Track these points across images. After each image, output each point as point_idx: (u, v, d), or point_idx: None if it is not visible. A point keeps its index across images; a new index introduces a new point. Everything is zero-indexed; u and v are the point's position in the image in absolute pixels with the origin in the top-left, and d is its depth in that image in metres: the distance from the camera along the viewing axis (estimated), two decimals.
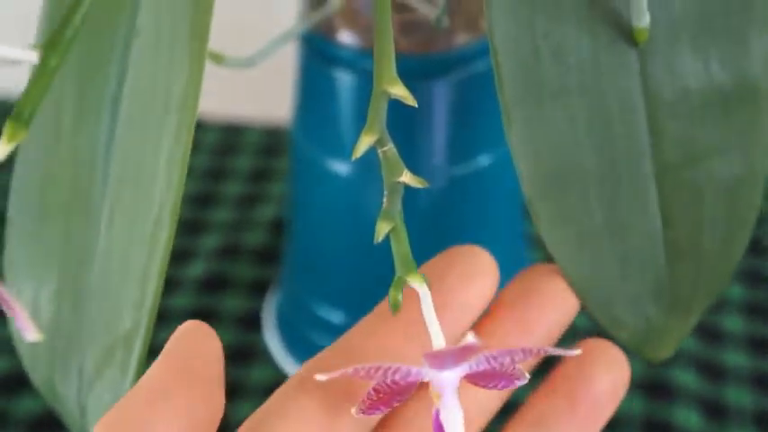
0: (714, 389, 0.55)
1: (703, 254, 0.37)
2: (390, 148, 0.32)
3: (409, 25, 0.46)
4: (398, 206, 0.33)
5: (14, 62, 0.27)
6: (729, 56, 0.35)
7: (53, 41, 0.27)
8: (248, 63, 0.45)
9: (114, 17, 0.36)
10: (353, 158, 0.32)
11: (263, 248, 0.65)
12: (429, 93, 0.49)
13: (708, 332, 0.58)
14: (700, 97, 0.35)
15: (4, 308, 0.26)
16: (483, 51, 0.48)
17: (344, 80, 0.49)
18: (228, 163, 0.73)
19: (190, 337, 0.30)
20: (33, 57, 0.26)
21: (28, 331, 0.26)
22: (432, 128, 0.50)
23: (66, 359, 0.38)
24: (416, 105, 0.32)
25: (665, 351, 0.38)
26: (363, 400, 0.29)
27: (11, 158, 0.37)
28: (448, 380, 0.28)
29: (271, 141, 0.75)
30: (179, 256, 0.65)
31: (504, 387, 0.29)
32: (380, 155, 0.32)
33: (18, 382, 0.57)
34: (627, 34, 0.35)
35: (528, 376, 0.29)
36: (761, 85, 0.35)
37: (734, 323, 0.59)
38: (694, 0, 0.35)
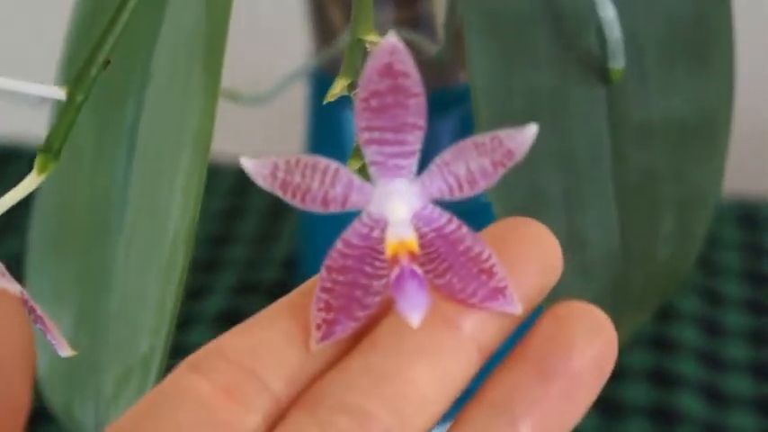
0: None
1: (657, 264, 0.39)
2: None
3: (418, 62, 0.49)
4: None
5: (43, 99, 0.31)
6: (690, 92, 0.37)
7: (79, 79, 0.28)
8: (262, 100, 0.49)
9: (131, 55, 0.40)
10: (327, 100, 0.32)
11: (277, 285, 0.68)
12: (435, 128, 0.53)
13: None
14: (661, 128, 0.38)
15: (39, 325, 0.27)
16: None
17: (352, 118, 0.53)
18: (242, 203, 0.76)
19: None
20: (61, 94, 0.31)
21: (62, 348, 0.27)
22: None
23: (85, 384, 0.39)
24: None
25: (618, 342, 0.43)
26: (315, 314, 0.25)
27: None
28: (398, 191, 0.25)
29: None
30: (196, 293, 0.68)
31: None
32: (353, 97, 0.31)
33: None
34: (598, 72, 0.37)
35: None
36: (716, 119, 0.38)
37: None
38: (660, 41, 0.37)
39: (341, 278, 0.25)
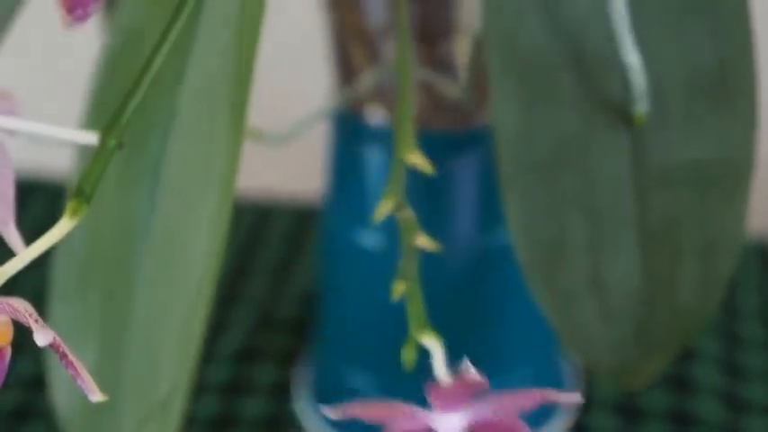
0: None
1: (679, 309, 0.40)
2: (407, 212, 0.34)
3: (440, 102, 0.49)
4: (415, 267, 0.37)
5: (77, 144, 0.32)
6: (713, 136, 0.38)
7: (112, 125, 0.29)
8: (284, 140, 0.50)
9: (157, 94, 0.40)
10: (375, 223, 0.37)
11: (294, 320, 0.69)
12: (459, 167, 0.52)
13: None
14: (684, 171, 0.38)
15: (69, 370, 0.28)
16: None
17: (374, 156, 0.51)
18: (260, 238, 0.77)
19: None
20: (93, 139, 0.32)
21: (92, 392, 0.27)
22: (465, 200, 0.52)
23: (104, 425, 0.40)
24: (438, 187, 0.37)
25: (639, 383, 0.42)
26: None
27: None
28: (452, 424, 0.29)
29: (301, 216, 0.78)
30: (213, 328, 0.69)
31: None
32: (399, 219, 0.35)
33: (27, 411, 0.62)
34: (620, 115, 0.37)
35: None
36: (740, 162, 0.38)
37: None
38: (683, 85, 0.37)
39: None
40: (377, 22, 0.49)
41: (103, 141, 0.30)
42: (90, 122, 0.40)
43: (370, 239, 0.54)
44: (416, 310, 0.34)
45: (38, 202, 0.79)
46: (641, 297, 0.41)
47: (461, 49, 0.48)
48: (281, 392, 0.62)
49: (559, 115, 0.38)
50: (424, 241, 0.34)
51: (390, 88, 0.50)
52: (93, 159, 0.30)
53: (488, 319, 0.57)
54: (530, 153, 0.38)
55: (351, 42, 0.50)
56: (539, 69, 0.37)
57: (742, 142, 0.39)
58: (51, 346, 0.26)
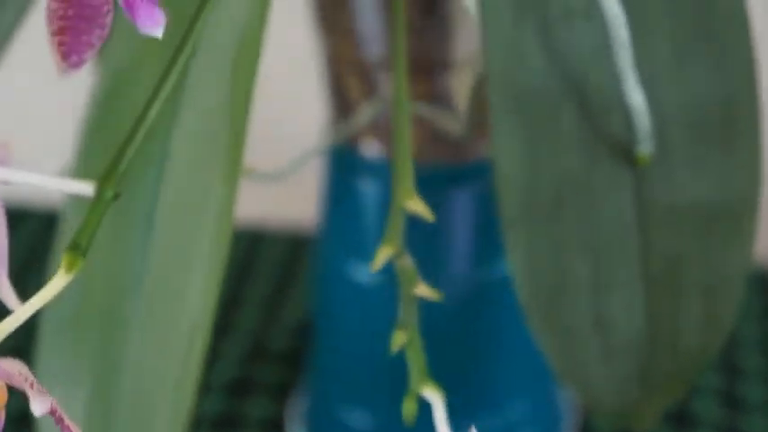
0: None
1: (683, 349, 0.40)
2: (407, 260, 0.34)
3: (436, 135, 0.49)
4: (415, 317, 0.36)
5: (73, 194, 0.31)
6: (717, 175, 0.38)
7: (108, 175, 0.29)
8: (278, 177, 0.49)
9: (149, 135, 0.40)
10: (372, 271, 0.36)
11: (287, 351, 0.68)
12: (456, 200, 0.51)
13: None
14: (688, 211, 0.38)
15: (56, 421, 0.27)
16: None
17: (369, 190, 0.51)
18: (252, 267, 0.76)
19: None
20: (89, 190, 0.31)
21: None
22: (461, 234, 0.52)
23: None
24: (434, 220, 0.36)
25: (640, 425, 0.42)
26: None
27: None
28: None
29: (293, 243, 0.78)
30: (204, 358, 0.68)
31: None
32: (397, 267, 0.34)
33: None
34: (623, 154, 0.37)
35: None
36: (744, 201, 0.38)
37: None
38: (686, 123, 0.37)
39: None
40: (372, 54, 0.48)
41: (100, 192, 0.30)
42: (81, 168, 0.39)
43: (364, 273, 0.54)
44: (417, 360, 0.33)
45: (29, 228, 0.78)
46: (644, 337, 0.40)
47: (458, 83, 0.48)
48: (274, 427, 0.61)
49: (561, 155, 0.37)
50: (423, 290, 0.34)
51: (386, 121, 0.50)
52: (90, 211, 0.30)
53: (485, 353, 0.56)
54: (531, 194, 0.37)
55: (346, 74, 0.49)
56: (540, 108, 0.37)
57: (746, 181, 0.38)
58: (49, 413, 0.25)
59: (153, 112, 0.30)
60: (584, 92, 0.37)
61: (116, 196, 0.30)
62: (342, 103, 0.50)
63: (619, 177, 0.38)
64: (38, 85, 0.77)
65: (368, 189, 0.52)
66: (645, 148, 0.37)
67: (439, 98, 0.49)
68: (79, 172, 0.40)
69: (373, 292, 0.54)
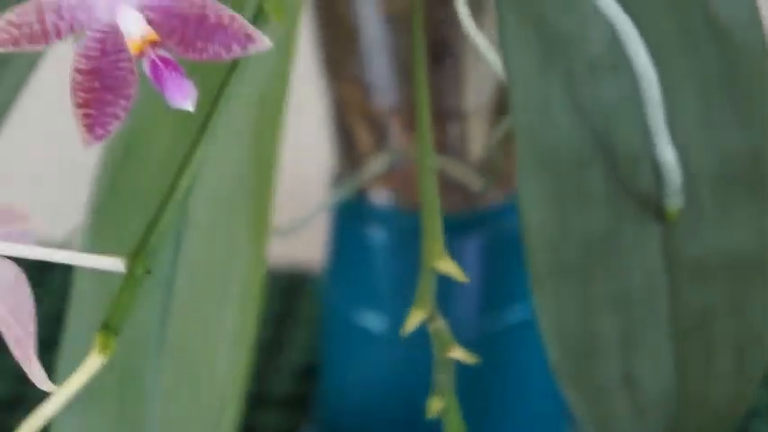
0: None
1: (712, 405, 0.39)
2: (440, 322, 0.33)
3: (446, 184, 0.50)
4: (451, 381, 0.36)
5: (103, 270, 0.30)
6: (747, 227, 0.37)
7: (138, 252, 0.28)
8: (285, 232, 0.49)
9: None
10: (403, 334, 0.35)
11: (289, 396, 0.68)
12: (466, 248, 0.52)
13: None
14: (718, 265, 0.37)
15: None
16: (514, 209, 0.52)
17: (378, 237, 0.51)
18: None
19: None
20: (120, 266, 0.30)
21: None
22: (471, 282, 0.53)
23: None
24: (467, 281, 0.36)
25: None
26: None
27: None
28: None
29: (293, 282, 0.77)
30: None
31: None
32: (431, 330, 0.34)
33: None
34: (651, 208, 0.37)
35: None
36: None
37: None
38: (715, 175, 0.37)
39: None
40: (382, 103, 0.47)
41: (131, 270, 0.29)
42: (96, 230, 0.38)
43: (371, 320, 0.53)
44: (454, 424, 0.33)
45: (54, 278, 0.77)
46: (673, 393, 0.40)
47: (470, 132, 0.47)
48: None
49: (589, 211, 0.37)
50: (458, 353, 0.33)
51: (395, 170, 0.49)
52: (121, 290, 0.29)
53: (494, 401, 0.55)
54: (560, 251, 0.37)
55: (355, 124, 0.49)
56: (567, 164, 0.36)
57: None
58: None
59: (184, 184, 0.29)
60: (611, 146, 0.37)
61: (147, 272, 0.29)
62: (351, 153, 0.50)
63: (647, 233, 0.38)
64: (39, 142, 0.76)
65: (376, 237, 0.52)
66: (674, 202, 0.36)
67: (450, 147, 0.48)
68: (94, 234, 0.40)
69: (381, 340, 0.54)
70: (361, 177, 0.47)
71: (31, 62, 0.41)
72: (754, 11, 0.36)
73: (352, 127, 0.49)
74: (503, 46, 0.34)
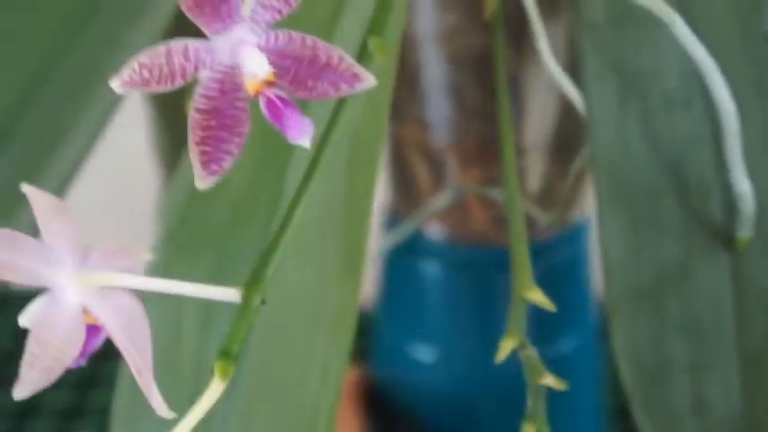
0: None
1: None
2: (531, 350, 0.35)
3: (500, 218, 0.51)
4: (542, 408, 0.37)
5: (218, 300, 0.31)
6: None
7: (254, 281, 0.29)
8: None
9: (248, 225, 0.40)
10: (497, 362, 0.37)
11: None
12: None
13: None
14: None
15: None
16: (567, 240, 0.54)
17: (432, 271, 0.53)
18: None
19: None
20: (236, 296, 0.31)
21: None
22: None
23: None
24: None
25: None
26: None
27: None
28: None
29: None
30: None
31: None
32: (522, 358, 0.35)
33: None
34: (722, 238, 0.38)
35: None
36: None
37: None
38: None
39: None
40: (441, 141, 0.49)
41: (247, 299, 0.30)
42: (167, 267, 0.39)
43: (425, 353, 0.54)
44: None
45: None
46: (741, 416, 0.41)
47: (531, 166, 0.49)
48: None
49: (663, 240, 0.38)
50: (550, 380, 0.34)
51: (450, 204, 0.51)
52: (238, 319, 0.30)
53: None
54: (635, 279, 0.38)
55: (414, 162, 0.50)
56: (643, 196, 0.38)
57: None
58: None
59: (297, 217, 0.30)
60: (684, 178, 0.38)
61: (263, 302, 0.30)
62: (409, 191, 0.51)
63: (717, 261, 0.39)
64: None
65: (430, 271, 0.53)
66: (745, 232, 0.38)
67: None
68: (165, 265, 0.40)
69: (433, 371, 0.55)
70: (423, 214, 0.48)
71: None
72: None
73: (412, 166, 0.50)
74: (583, 84, 0.36)
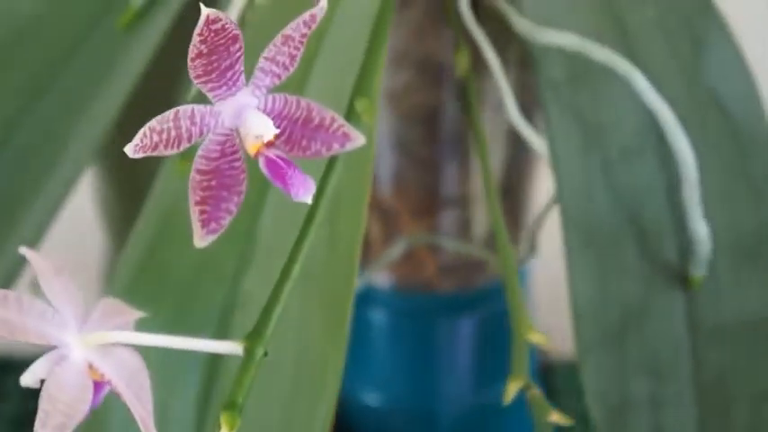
0: None
1: None
2: (536, 390, 0.36)
3: (445, 265, 0.52)
4: None
5: (220, 354, 0.32)
6: (761, 295, 0.41)
7: (257, 332, 0.29)
8: None
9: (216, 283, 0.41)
10: (505, 403, 0.36)
11: None
12: (457, 327, 0.55)
13: None
14: (734, 329, 0.41)
15: None
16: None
17: (380, 319, 0.54)
18: None
19: None
20: (238, 349, 0.32)
21: None
22: (464, 358, 0.55)
23: None
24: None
25: None
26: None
27: None
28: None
29: None
30: None
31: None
32: (528, 398, 0.36)
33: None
34: (677, 278, 0.40)
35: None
36: None
37: None
38: (730, 247, 0.40)
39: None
40: (391, 193, 0.50)
41: (250, 350, 0.31)
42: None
43: (378, 399, 0.55)
44: None
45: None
46: None
47: (476, 215, 0.50)
48: None
49: (626, 284, 0.40)
50: (556, 417, 0.36)
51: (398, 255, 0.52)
52: (242, 370, 0.31)
53: None
54: (602, 322, 0.40)
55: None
56: (607, 241, 0.40)
57: None
58: None
59: (296, 270, 0.31)
60: (641, 224, 0.40)
61: (265, 355, 0.31)
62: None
63: (673, 301, 0.41)
64: None
65: (378, 319, 0.54)
66: (698, 272, 0.40)
67: (455, 230, 0.51)
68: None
69: (380, 417, 0.55)
70: (376, 268, 0.49)
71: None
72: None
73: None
74: (548, 134, 0.37)
